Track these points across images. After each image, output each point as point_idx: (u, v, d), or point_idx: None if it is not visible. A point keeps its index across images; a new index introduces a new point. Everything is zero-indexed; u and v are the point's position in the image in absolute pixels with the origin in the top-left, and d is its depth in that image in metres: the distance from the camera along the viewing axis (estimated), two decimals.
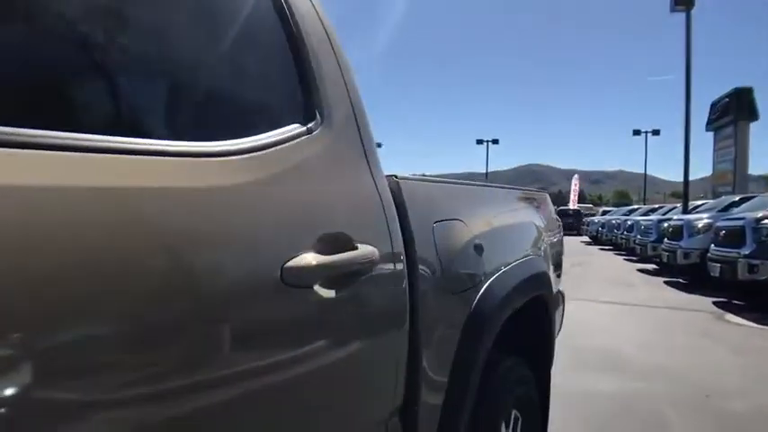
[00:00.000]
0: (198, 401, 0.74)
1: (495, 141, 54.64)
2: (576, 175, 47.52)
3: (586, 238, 24.87)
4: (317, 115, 1.09)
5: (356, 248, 1.01)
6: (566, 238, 2.99)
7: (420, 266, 1.26)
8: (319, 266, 0.91)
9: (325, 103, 1.11)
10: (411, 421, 1.20)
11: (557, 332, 2.82)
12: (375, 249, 1.05)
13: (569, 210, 34.04)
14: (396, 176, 1.30)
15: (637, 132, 49.56)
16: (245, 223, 0.84)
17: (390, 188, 1.27)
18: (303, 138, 1.03)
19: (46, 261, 0.59)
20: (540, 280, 1.98)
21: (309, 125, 1.06)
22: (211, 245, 0.78)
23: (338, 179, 1.08)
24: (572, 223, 29.83)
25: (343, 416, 1.03)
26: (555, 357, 4.56)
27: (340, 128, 1.13)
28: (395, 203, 1.25)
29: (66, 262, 0.61)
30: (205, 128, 0.96)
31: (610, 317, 6.80)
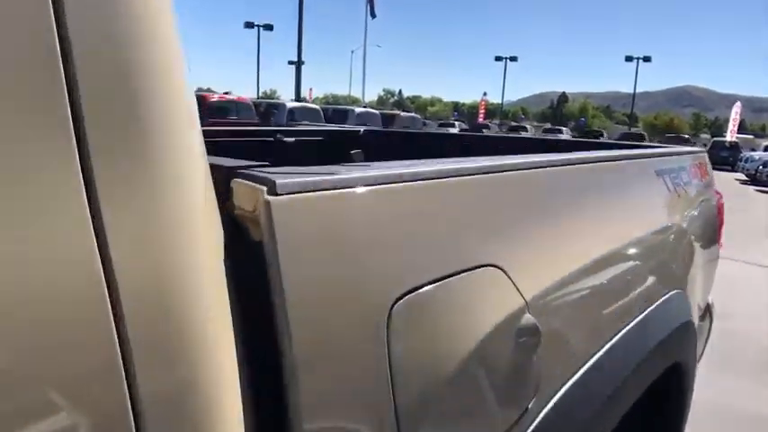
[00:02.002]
0: None
1: (647, 59, 50.18)
2: (737, 102, 41.55)
3: (741, 176, 21.61)
4: None
5: None
6: (717, 174, 2.00)
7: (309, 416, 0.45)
8: None
9: None
10: None
11: (698, 358, 1.90)
12: None
13: (725, 142, 29.98)
14: (274, 184, 0.46)
15: None
16: None
17: (233, 217, 0.45)
18: None
19: None
20: (677, 343, 1.07)
21: None
22: None
23: None
24: (727, 157, 26.48)
25: None
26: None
27: None
28: (233, 269, 0.44)
29: None
30: None
31: None
